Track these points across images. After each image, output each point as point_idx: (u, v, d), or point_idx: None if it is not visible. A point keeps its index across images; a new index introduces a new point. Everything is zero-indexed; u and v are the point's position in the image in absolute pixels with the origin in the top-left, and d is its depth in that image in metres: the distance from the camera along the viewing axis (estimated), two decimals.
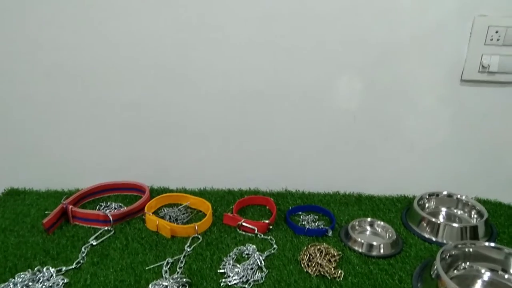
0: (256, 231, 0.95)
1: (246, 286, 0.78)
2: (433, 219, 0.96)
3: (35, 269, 0.81)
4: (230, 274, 0.81)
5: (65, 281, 0.78)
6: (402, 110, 1.06)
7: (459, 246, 0.83)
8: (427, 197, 1.07)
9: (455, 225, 0.94)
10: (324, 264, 0.84)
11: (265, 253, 0.88)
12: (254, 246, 0.90)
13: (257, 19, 0.97)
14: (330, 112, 1.06)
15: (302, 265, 0.85)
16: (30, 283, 0.77)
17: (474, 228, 0.93)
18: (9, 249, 0.88)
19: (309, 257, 0.86)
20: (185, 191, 1.14)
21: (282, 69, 1.02)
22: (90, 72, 1.03)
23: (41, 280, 0.78)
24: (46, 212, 1.01)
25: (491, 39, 0.97)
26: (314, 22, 0.97)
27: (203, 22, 0.98)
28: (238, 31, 0.99)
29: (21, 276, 0.78)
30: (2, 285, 0.76)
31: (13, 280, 0.77)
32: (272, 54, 1.01)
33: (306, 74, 1.03)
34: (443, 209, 1.07)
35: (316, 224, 1.00)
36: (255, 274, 0.82)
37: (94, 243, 0.90)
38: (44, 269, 0.80)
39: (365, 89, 1.04)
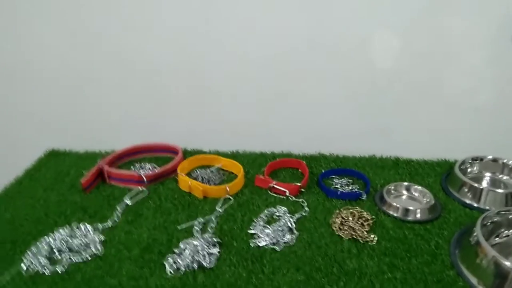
0: (287, 194, 0.94)
1: (276, 247, 0.78)
2: (476, 184, 0.91)
3: (73, 225, 0.84)
4: (261, 235, 0.81)
5: (101, 238, 0.81)
6: (444, 69, 0.99)
7: (502, 212, 0.79)
8: (470, 161, 1.01)
9: (500, 191, 0.89)
10: (356, 228, 0.82)
11: (296, 215, 0.87)
12: (285, 208, 0.89)
13: None
14: (366, 72, 1.01)
15: (334, 228, 0.83)
16: (68, 239, 0.80)
17: None
18: (50, 206, 0.92)
19: (341, 221, 0.84)
20: (217, 153, 1.14)
21: (316, 28, 0.97)
22: (123, 35, 1.03)
23: (78, 237, 0.81)
24: (84, 172, 1.04)
25: None
26: None
27: None
28: None
29: (60, 231, 0.81)
30: (43, 239, 0.80)
31: (52, 235, 0.81)
32: (306, 12, 0.96)
33: (341, 32, 0.97)
34: (487, 174, 1.01)
35: (350, 188, 0.98)
36: (285, 235, 0.81)
37: (129, 203, 0.92)
38: (82, 226, 0.84)
39: (404, 46, 0.97)
